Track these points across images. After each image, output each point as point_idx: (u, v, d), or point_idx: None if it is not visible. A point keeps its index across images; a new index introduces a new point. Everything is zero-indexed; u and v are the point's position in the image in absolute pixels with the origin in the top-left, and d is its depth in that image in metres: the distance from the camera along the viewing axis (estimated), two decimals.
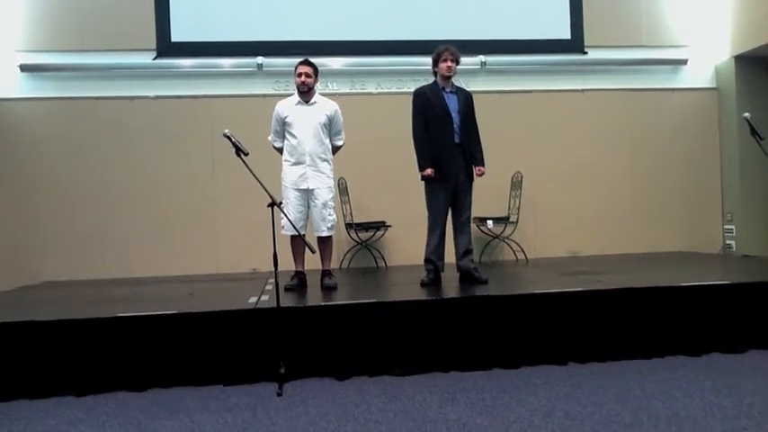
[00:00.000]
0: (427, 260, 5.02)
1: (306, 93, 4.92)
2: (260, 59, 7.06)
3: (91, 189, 6.86)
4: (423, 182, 4.98)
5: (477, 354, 4.09)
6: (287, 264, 4.68)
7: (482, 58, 7.26)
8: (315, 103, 4.96)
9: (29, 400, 3.72)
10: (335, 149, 5.11)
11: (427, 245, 5.01)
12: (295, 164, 4.91)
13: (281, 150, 5.03)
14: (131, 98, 6.95)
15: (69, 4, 6.88)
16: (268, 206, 3.94)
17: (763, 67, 7.42)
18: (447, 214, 4.99)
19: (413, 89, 5.14)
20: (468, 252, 5.03)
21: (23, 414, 3.48)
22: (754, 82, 7.45)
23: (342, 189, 6.70)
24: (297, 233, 4.59)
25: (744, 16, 7.31)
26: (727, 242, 7.62)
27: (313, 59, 5.02)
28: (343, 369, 3.97)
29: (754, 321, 4.40)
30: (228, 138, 4.05)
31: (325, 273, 5.07)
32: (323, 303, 4.31)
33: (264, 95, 6.84)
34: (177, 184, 6.96)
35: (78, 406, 3.59)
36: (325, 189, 4.94)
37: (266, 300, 4.47)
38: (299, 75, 4.88)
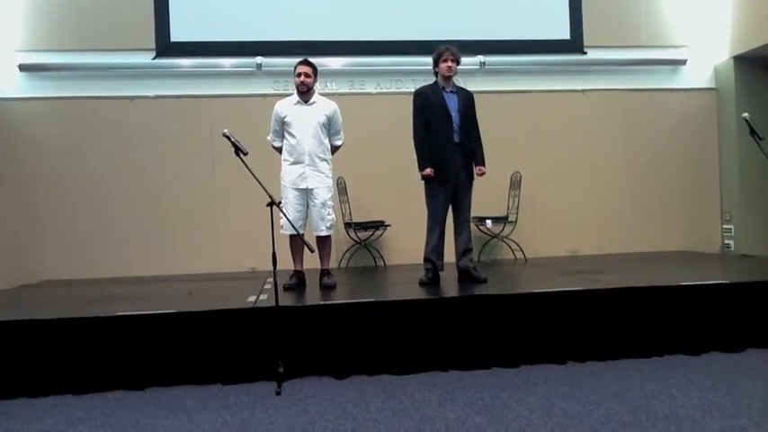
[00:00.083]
0: (426, 259, 5.02)
1: (305, 92, 4.92)
2: (259, 59, 7.06)
3: (91, 189, 6.86)
4: (422, 181, 4.98)
5: (476, 353, 4.09)
6: (286, 263, 4.69)
7: (481, 58, 7.26)
8: (314, 102, 4.96)
9: (27, 399, 3.72)
10: (335, 149, 5.11)
11: (426, 244, 5.02)
12: (294, 163, 4.91)
13: (280, 150, 5.03)
14: (131, 98, 6.95)
15: (68, 4, 6.88)
16: (267, 206, 3.94)
17: (762, 67, 7.42)
18: (446, 214, 5.00)
19: (412, 89, 5.15)
20: (467, 251, 5.03)
21: (22, 413, 3.48)
22: (753, 82, 7.46)
23: (341, 188, 6.70)
24: (296, 232, 4.59)
25: (743, 17, 7.31)
26: (726, 242, 7.63)
27: (312, 59, 5.03)
28: (341, 368, 3.97)
29: (752, 321, 4.41)
30: (228, 137, 4.05)
31: (324, 272, 5.07)
32: (322, 302, 4.31)
33: (264, 95, 6.84)
34: (177, 184, 6.96)
35: (77, 405, 3.59)
36: (324, 188, 4.94)
37: (265, 299, 4.47)
38: (299, 74, 4.89)
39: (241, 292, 4.95)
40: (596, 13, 7.55)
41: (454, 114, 4.91)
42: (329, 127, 4.99)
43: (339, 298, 4.56)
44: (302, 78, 4.87)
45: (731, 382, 3.59)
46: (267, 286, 5.14)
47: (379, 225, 6.80)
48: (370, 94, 7.27)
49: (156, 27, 7.01)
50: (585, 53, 7.55)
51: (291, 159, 4.93)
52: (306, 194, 4.92)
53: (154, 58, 7.00)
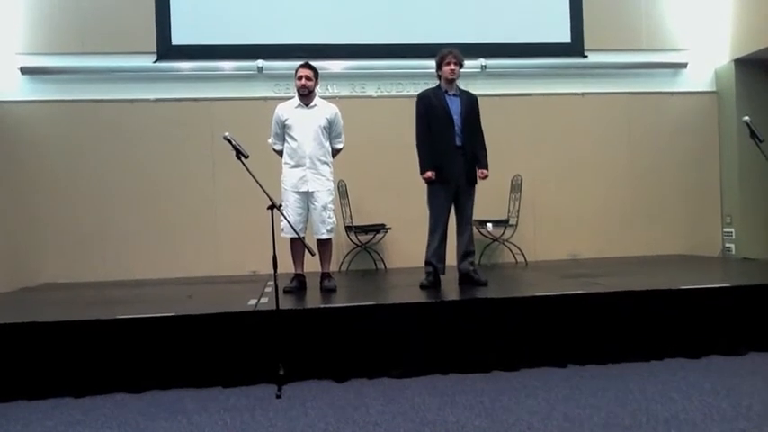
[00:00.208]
0: (427, 262, 5.02)
1: (306, 96, 4.93)
2: (260, 62, 7.07)
3: (91, 191, 6.87)
4: (426, 184, 4.99)
5: (477, 356, 4.09)
6: (286, 266, 4.69)
7: (482, 61, 7.27)
8: (315, 106, 4.96)
9: (27, 401, 3.72)
10: (335, 152, 5.11)
11: (428, 247, 5.02)
12: (295, 166, 4.92)
13: (280, 153, 5.04)
14: (132, 101, 6.96)
15: (70, 7, 6.90)
16: (268, 209, 3.95)
17: (762, 70, 7.43)
18: (448, 216, 5.00)
19: (413, 92, 5.17)
20: (467, 254, 5.03)
21: (22, 415, 3.48)
22: (753, 85, 7.47)
23: (341, 192, 6.70)
24: (296, 236, 4.59)
25: (743, 20, 7.32)
26: (727, 245, 7.62)
27: (313, 62, 5.03)
28: (342, 371, 3.97)
29: (753, 324, 4.40)
30: (229, 141, 4.05)
31: (325, 275, 5.07)
32: (322, 306, 4.31)
33: (265, 98, 6.85)
34: (177, 187, 6.97)
35: (77, 407, 3.59)
36: (324, 192, 4.94)
37: (266, 302, 4.47)
38: (300, 78, 4.89)
39: (242, 295, 4.95)
40: (597, 16, 7.56)
41: (456, 118, 4.91)
42: (330, 130, 4.99)
43: (339, 301, 4.56)
44: (303, 81, 4.88)
45: (731, 386, 3.59)
46: (268, 289, 5.14)
47: (379, 228, 6.81)
48: (370, 97, 7.28)
49: (157, 30, 7.03)
50: (586, 56, 7.56)
51: (292, 162, 4.93)
52: (306, 197, 4.92)
53: (155, 62, 7.02)
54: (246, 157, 4.04)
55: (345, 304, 4.34)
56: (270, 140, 5.07)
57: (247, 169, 4.01)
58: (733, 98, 7.48)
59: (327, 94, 6.73)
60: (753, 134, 5.02)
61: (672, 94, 7.70)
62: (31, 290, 6.25)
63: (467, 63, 5.14)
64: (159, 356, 3.92)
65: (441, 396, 3.57)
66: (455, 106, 4.93)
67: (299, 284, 5.01)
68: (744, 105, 7.23)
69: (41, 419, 3.40)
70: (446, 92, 4.97)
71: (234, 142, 4.05)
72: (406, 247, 6.74)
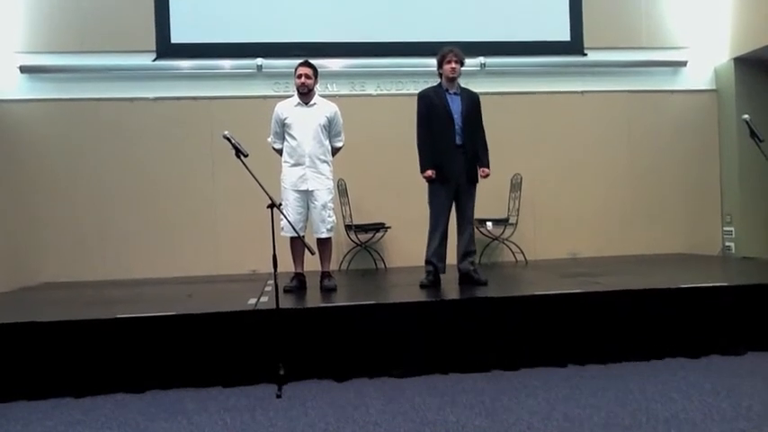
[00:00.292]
0: (428, 262, 5.02)
1: (305, 94, 4.92)
2: (260, 61, 7.06)
3: (91, 190, 6.86)
4: (426, 183, 4.98)
5: (477, 355, 4.09)
6: (286, 265, 4.68)
7: (482, 59, 7.26)
8: (314, 104, 4.96)
9: (27, 402, 3.71)
10: (335, 151, 5.11)
11: (428, 246, 5.01)
12: (294, 165, 4.91)
13: (280, 152, 5.03)
14: (131, 99, 6.95)
15: (69, 6, 6.89)
16: (267, 207, 3.95)
17: (762, 69, 7.43)
18: (449, 216, 4.99)
19: (413, 90, 5.17)
20: (468, 254, 5.02)
21: (22, 415, 3.48)
22: (753, 84, 7.46)
23: (341, 190, 6.70)
24: (296, 235, 4.59)
25: (743, 18, 7.32)
26: (727, 244, 7.62)
27: (313, 61, 5.03)
28: (342, 371, 3.97)
29: (753, 323, 4.40)
30: (228, 139, 4.05)
31: (325, 274, 5.07)
32: (322, 305, 4.32)
33: (264, 97, 6.84)
34: (177, 186, 6.96)
35: (77, 407, 3.59)
36: (324, 190, 4.93)
37: (266, 301, 4.47)
38: (299, 76, 4.88)
39: (241, 294, 4.95)
40: (596, 14, 7.55)
41: (456, 116, 4.90)
42: (330, 129, 4.99)
43: (339, 300, 4.56)
44: (303, 80, 4.87)
45: (731, 385, 3.59)
46: (268, 288, 5.14)
47: (379, 227, 6.80)
48: (370, 95, 7.27)
49: (156, 29, 7.02)
50: (586, 55, 7.55)
51: (292, 161, 4.92)
52: (306, 196, 4.91)
53: (154, 60, 7.01)
54: (246, 156, 4.04)
55: (345, 303, 4.34)
56: (269, 139, 5.07)
57: (247, 168, 4.00)
58: (733, 97, 7.48)
59: (327, 93, 6.71)
60: (752, 133, 5.01)
61: (672, 92, 7.70)
62: (31, 289, 6.24)
63: (466, 61, 5.13)
64: (159, 356, 3.92)
65: (441, 396, 3.57)
66: (456, 105, 4.93)
67: (298, 284, 5.01)
68: (743, 104, 7.22)
69: (41, 419, 3.40)
70: (447, 90, 4.96)
71: (233, 141, 4.04)
72: (406, 246, 6.74)
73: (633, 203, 7.54)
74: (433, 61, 5.11)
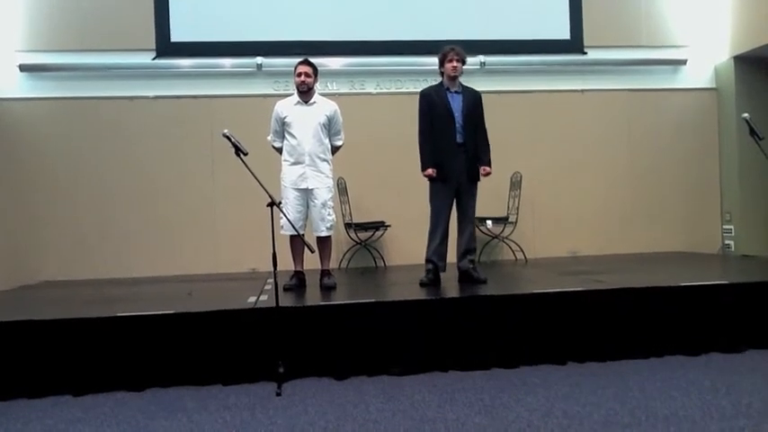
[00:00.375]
0: (428, 260, 5.02)
1: (305, 93, 4.92)
2: (259, 59, 7.06)
3: (90, 189, 6.86)
4: (428, 182, 4.98)
5: (476, 353, 4.09)
6: (286, 263, 4.68)
7: (481, 58, 7.26)
8: (314, 103, 4.96)
9: (27, 400, 3.72)
10: (335, 149, 5.11)
11: (428, 245, 5.01)
12: (294, 164, 4.91)
13: (280, 150, 5.03)
14: (131, 98, 6.95)
15: (69, 4, 6.88)
16: (267, 206, 3.94)
17: (762, 67, 7.43)
18: (449, 214, 4.99)
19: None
20: (468, 252, 5.02)
21: (21, 413, 3.48)
22: (753, 82, 7.46)
23: (341, 189, 6.70)
24: (296, 233, 4.59)
25: (743, 17, 7.31)
26: (726, 242, 7.63)
27: (312, 59, 5.02)
28: (341, 369, 3.97)
29: (752, 321, 4.40)
30: (228, 138, 4.05)
31: (325, 272, 5.07)
32: (322, 303, 4.31)
33: (264, 95, 6.83)
34: (177, 184, 6.97)
35: (77, 405, 3.59)
36: (324, 189, 4.93)
37: (265, 299, 4.47)
38: (299, 74, 4.88)
39: (241, 292, 4.95)
40: (596, 12, 7.55)
41: (457, 115, 4.90)
42: (329, 127, 4.99)
43: (339, 299, 4.56)
44: (302, 78, 4.87)
45: (731, 383, 3.59)
46: (267, 287, 5.14)
47: (379, 225, 6.80)
48: (370, 94, 7.27)
49: (156, 27, 7.02)
50: (586, 53, 7.55)
51: (292, 160, 4.92)
52: (306, 195, 4.91)
53: (154, 59, 7.01)
54: (246, 155, 4.04)
55: (345, 302, 4.34)
56: (269, 137, 5.07)
57: (247, 166, 4.00)
58: (733, 95, 7.48)
59: (327, 91, 6.71)
60: (752, 131, 5.01)
61: (671, 90, 7.70)
62: (31, 288, 6.24)
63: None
64: (159, 354, 3.92)
65: (440, 393, 3.57)
66: (456, 103, 4.92)
67: (298, 282, 5.01)
68: (743, 102, 7.23)
69: (41, 418, 3.40)
70: (448, 89, 4.96)
71: (233, 139, 4.05)
72: (406, 244, 6.75)
73: (633, 201, 7.54)
74: (432, 60, 5.11)
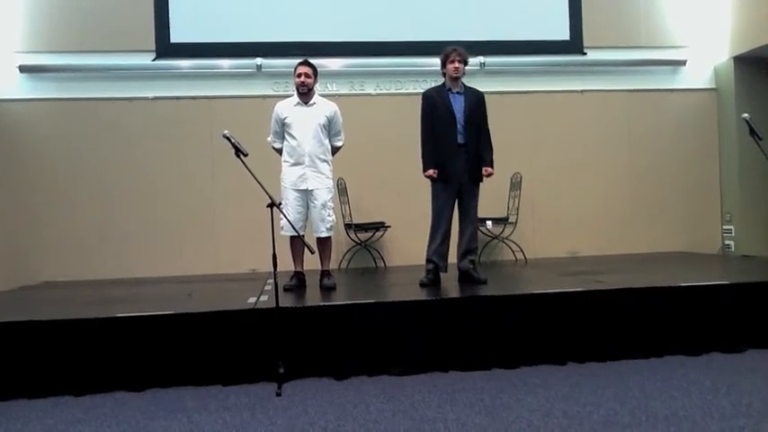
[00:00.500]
0: (428, 260, 5.01)
1: (305, 93, 4.92)
2: (259, 60, 7.06)
3: (90, 190, 6.86)
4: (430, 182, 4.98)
5: (477, 354, 4.09)
6: (286, 264, 4.68)
7: (481, 58, 7.25)
8: (314, 103, 4.96)
9: (27, 400, 3.71)
10: (335, 150, 5.11)
11: (429, 245, 5.01)
12: (294, 164, 4.91)
13: (280, 151, 5.03)
14: (130, 99, 6.96)
15: (68, 6, 6.89)
16: (267, 207, 3.94)
17: (761, 67, 7.43)
18: (450, 215, 4.98)
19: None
20: (468, 252, 5.02)
21: (22, 413, 3.48)
22: (752, 83, 7.46)
23: (341, 190, 6.70)
24: (296, 234, 4.59)
25: (743, 17, 7.32)
26: (726, 242, 7.63)
27: (312, 60, 5.03)
28: (341, 369, 3.97)
29: (753, 321, 4.40)
30: (228, 139, 4.05)
31: (325, 273, 5.07)
32: (322, 304, 4.31)
33: (264, 96, 6.84)
34: (176, 185, 6.97)
35: (77, 406, 3.59)
36: (324, 190, 4.94)
37: (265, 300, 4.47)
38: (299, 75, 4.88)
39: (241, 293, 4.95)
40: (596, 13, 7.55)
41: (459, 116, 4.89)
42: (329, 128, 4.99)
43: (339, 299, 4.56)
44: (302, 79, 4.87)
45: (731, 383, 3.59)
46: (267, 287, 5.14)
47: (379, 226, 6.80)
48: (369, 95, 7.27)
49: (155, 28, 7.02)
50: (585, 54, 7.55)
51: (292, 160, 4.92)
52: (306, 195, 4.91)
53: (154, 60, 7.01)
54: (246, 155, 4.04)
55: (345, 302, 4.34)
56: (269, 138, 5.07)
57: (246, 167, 4.00)
58: (732, 95, 7.48)
59: (326, 92, 6.71)
60: (752, 131, 5.01)
61: (671, 91, 7.70)
62: (31, 288, 6.24)
63: None
64: (159, 355, 3.92)
65: (441, 394, 3.57)
66: (458, 104, 4.92)
67: (298, 282, 5.01)
68: (743, 102, 7.23)
69: (41, 418, 3.40)
70: (450, 90, 4.96)
71: (233, 140, 4.05)
72: (406, 244, 6.75)
73: (633, 201, 7.54)
74: (432, 60, 5.12)
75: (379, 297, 4.56)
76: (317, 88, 5.12)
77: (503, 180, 6.93)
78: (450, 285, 4.92)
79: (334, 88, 7.14)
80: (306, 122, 4.89)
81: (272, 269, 3.92)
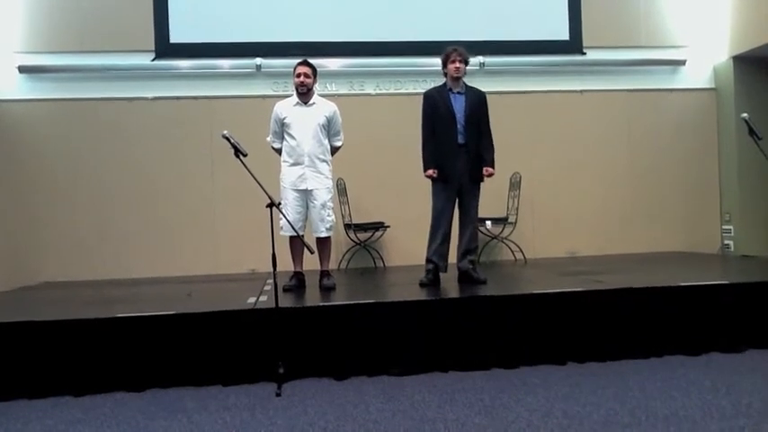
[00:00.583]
0: (428, 260, 5.01)
1: (305, 93, 4.92)
2: (259, 60, 7.06)
3: (90, 190, 6.86)
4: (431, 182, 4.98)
5: (476, 354, 4.09)
6: (286, 264, 4.68)
7: (480, 58, 7.25)
8: (313, 103, 4.95)
9: (27, 400, 3.71)
10: (334, 150, 5.11)
11: (429, 245, 5.01)
12: (294, 164, 4.91)
13: (279, 151, 5.03)
14: (130, 99, 6.95)
15: (68, 6, 6.89)
16: (267, 207, 3.95)
17: (761, 67, 7.43)
18: (451, 215, 4.98)
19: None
20: (468, 252, 5.02)
21: (22, 414, 3.48)
22: (752, 82, 7.47)
23: (340, 190, 6.70)
24: (295, 234, 4.59)
25: (742, 17, 7.32)
26: (726, 242, 7.63)
27: (312, 60, 5.03)
28: (341, 369, 3.97)
29: (752, 321, 4.40)
30: (227, 139, 4.05)
31: (324, 273, 5.07)
32: (321, 304, 4.31)
33: (263, 96, 6.84)
34: (176, 185, 6.97)
35: (77, 406, 3.59)
36: (323, 190, 4.93)
37: (265, 300, 4.47)
38: (298, 75, 4.88)
39: (241, 293, 4.95)
40: (595, 13, 7.55)
41: (459, 116, 4.89)
42: (329, 128, 4.99)
43: (339, 299, 4.56)
44: (302, 79, 4.87)
45: (731, 383, 3.59)
46: (267, 287, 5.14)
47: (378, 226, 6.81)
48: (369, 95, 7.27)
49: (155, 28, 7.02)
50: (585, 54, 7.56)
51: (291, 161, 4.92)
52: (305, 196, 4.91)
53: (153, 60, 7.01)
54: (245, 156, 4.04)
55: (345, 302, 4.34)
56: (268, 138, 5.07)
57: (246, 167, 4.00)
58: (732, 95, 7.48)
59: (326, 92, 6.71)
60: (751, 131, 5.02)
61: (671, 91, 7.70)
62: (31, 289, 6.24)
63: None
64: (159, 355, 3.92)
65: (440, 394, 3.57)
66: (459, 104, 4.92)
67: (298, 283, 5.01)
68: (742, 102, 7.23)
69: (41, 418, 3.40)
70: (451, 90, 4.95)
71: (232, 140, 4.04)
72: (406, 244, 6.75)
73: (632, 201, 7.54)
74: (432, 60, 5.12)
75: (378, 297, 4.56)
76: (317, 88, 5.12)
77: (502, 180, 6.92)
78: (450, 285, 4.92)
79: (333, 88, 7.14)
80: (305, 122, 4.89)
81: (272, 269, 3.93)
